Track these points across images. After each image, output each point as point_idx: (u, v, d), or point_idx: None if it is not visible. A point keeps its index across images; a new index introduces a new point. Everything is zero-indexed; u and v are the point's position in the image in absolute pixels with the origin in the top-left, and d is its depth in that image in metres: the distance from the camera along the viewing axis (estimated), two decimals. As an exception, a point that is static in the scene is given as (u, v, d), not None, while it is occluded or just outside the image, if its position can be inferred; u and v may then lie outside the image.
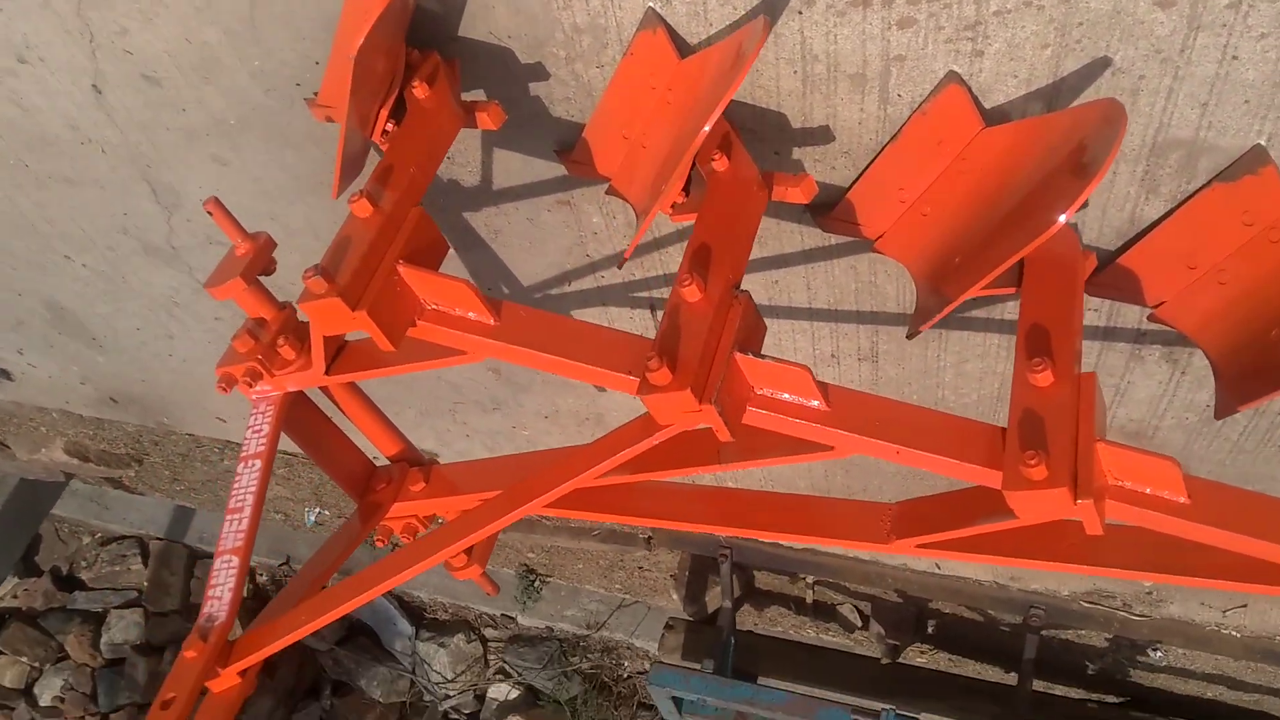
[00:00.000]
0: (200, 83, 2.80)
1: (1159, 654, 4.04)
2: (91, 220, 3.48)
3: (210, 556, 7.19)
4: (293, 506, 5.87)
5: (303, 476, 5.37)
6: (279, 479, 5.42)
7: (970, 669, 4.57)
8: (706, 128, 1.85)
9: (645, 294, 3.05)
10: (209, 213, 2.25)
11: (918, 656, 4.62)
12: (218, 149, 3.00)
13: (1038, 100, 2.14)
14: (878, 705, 4.16)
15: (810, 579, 4.58)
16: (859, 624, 4.71)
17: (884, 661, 4.53)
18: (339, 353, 2.25)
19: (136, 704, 7.17)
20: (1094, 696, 4.50)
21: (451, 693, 6.98)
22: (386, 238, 1.98)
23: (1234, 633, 3.75)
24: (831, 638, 4.94)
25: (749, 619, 4.99)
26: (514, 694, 6.95)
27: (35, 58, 2.87)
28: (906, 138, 2.27)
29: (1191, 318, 2.25)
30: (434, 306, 2.00)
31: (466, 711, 7.14)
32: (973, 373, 2.91)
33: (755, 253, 2.75)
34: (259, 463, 2.26)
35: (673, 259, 2.91)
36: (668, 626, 4.82)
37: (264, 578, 7.28)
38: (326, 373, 2.21)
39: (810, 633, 4.92)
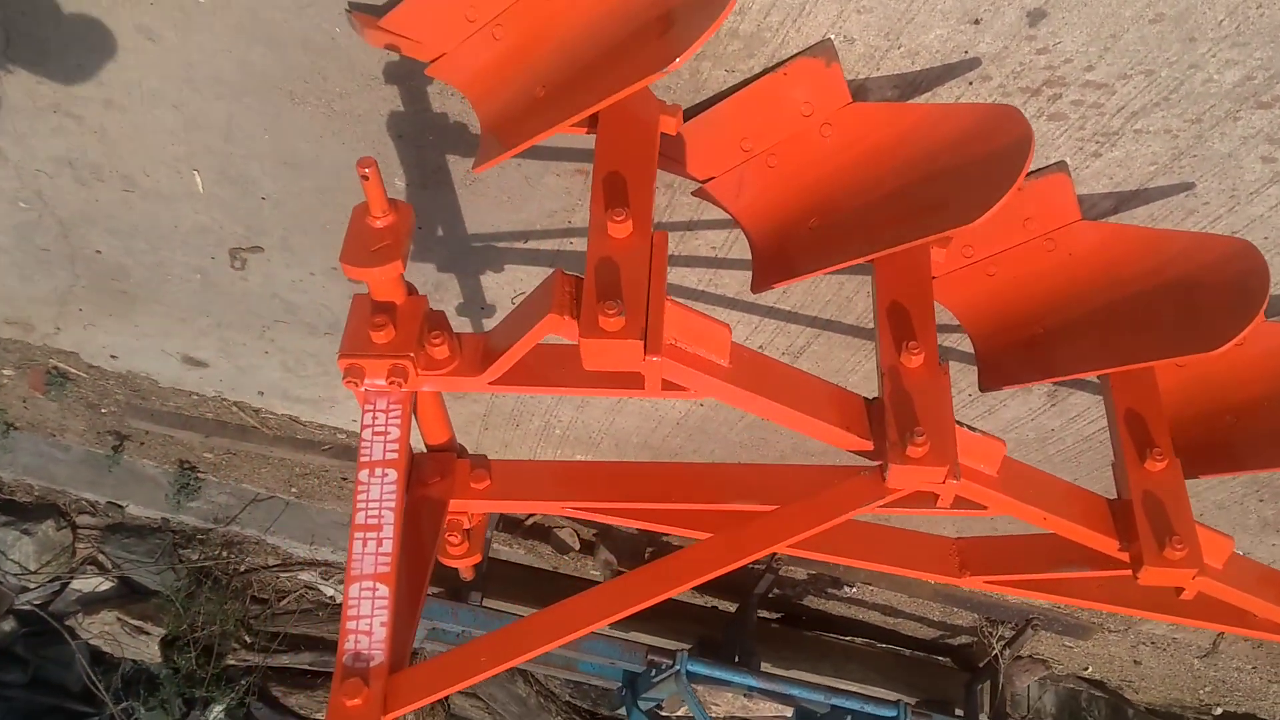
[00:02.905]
0: (188, -53, 2.21)
1: (853, 589, 4.76)
2: None
3: None
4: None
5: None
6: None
7: (697, 599, 5.00)
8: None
9: (603, 265, 2.95)
10: (364, 175, 1.85)
11: (640, 583, 4.94)
12: (153, 21, 2.39)
13: (1112, 199, 2.46)
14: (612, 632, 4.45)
15: (553, 508, 4.69)
16: (575, 547, 4.92)
17: (605, 586, 4.80)
18: (491, 357, 1.99)
19: None
20: (766, 614, 5.17)
21: (31, 584, 6.10)
22: (648, 266, 1.81)
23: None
24: (533, 558, 5.11)
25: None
26: (105, 586, 6.24)
27: None
28: (992, 205, 2.47)
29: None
30: (672, 342, 1.88)
31: (38, 603, 6.29)
32: (881, 380, 3.22)
33: (674, 244, 2.81)
34: (394, 471, 1.94)
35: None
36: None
37: None
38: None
39: (519, 552, 5.05)
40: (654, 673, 4.14)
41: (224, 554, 6.20)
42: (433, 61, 2.21)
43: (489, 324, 3.28)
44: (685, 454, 3.82)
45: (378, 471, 1.93)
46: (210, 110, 2.61)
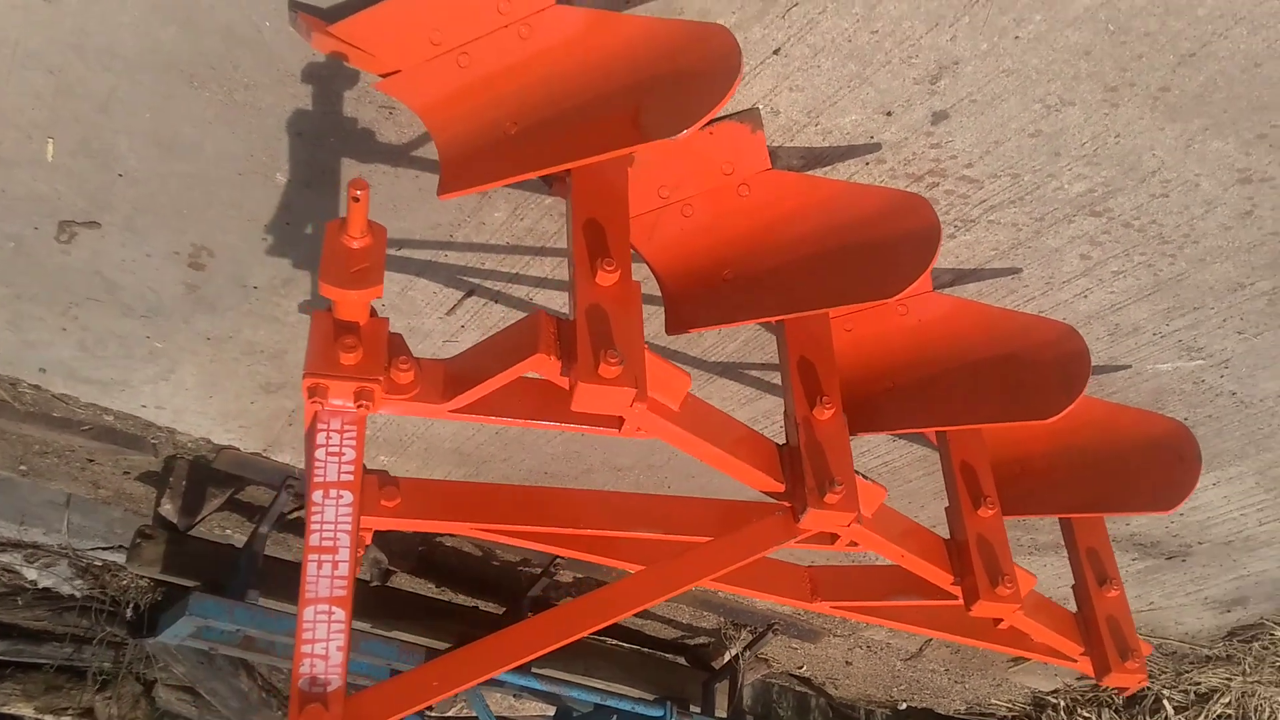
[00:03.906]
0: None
1: (616, 594, 4.98)
2: None
3: None
4: None
5: None
6: None
7: (457, 599, 5.03)
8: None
9: (470, 280, 3.00)
10: (354, 198, 1.84)
11: (408, 583, 4.93)
12: (56, -20, 2.22)
13: (952, 274, 2.82)
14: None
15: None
16: (340, 543, 4.83)
17: (373, 584, 4.77)
18: (446, 383, 2.02)
19: None
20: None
21: None
22: (632, 314, 1.93)
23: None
24: (284, 551, 4.97)
25: (214, 526, 4.80)
26: None
27: None
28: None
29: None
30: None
31: None
32: (706, 408, 3.46)
33: (547, 269, 2.93)
34: (350, 494, 1.91)
35: (506, 259, 2.92)
36: (144, 535, 4.40)
37: None
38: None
39: (273, 548, 4.89)
40: (436, 674, 4.16)
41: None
42: (384, 76, 2.20)
43: (331, 323, 3.22)
44: (496, 462, 3.90)
45: (333, 493, 1.92)
46: (93, 81, 2.43)
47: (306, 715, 1.77)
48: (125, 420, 4.02)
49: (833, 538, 2.28)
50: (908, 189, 2.55)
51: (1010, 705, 5.86)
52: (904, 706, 6.16)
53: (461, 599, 5.08)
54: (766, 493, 2.30)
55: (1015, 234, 2.67)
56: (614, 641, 5.39)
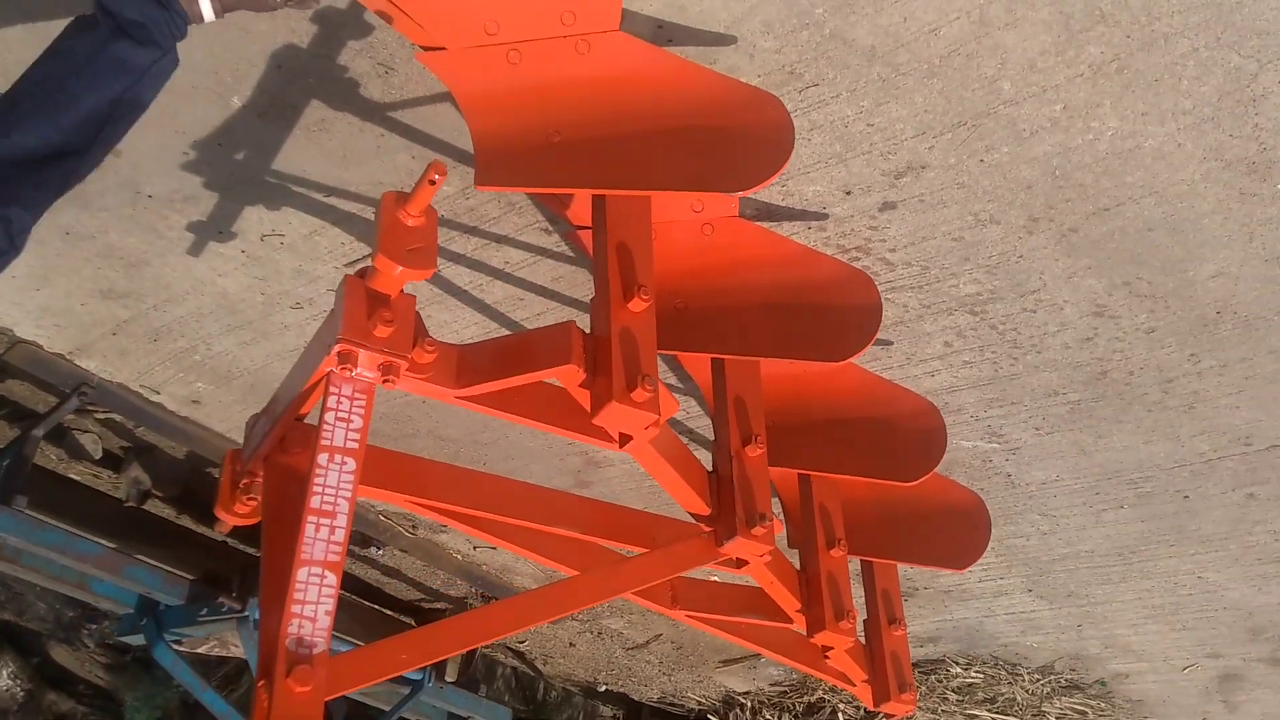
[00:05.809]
0: None
1: (380, 551, 4.97)
2: None
3: None
4: None
5: None
6: None
7: (192, 524, 4.81)
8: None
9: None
10: (431, 181, 1.86)
11: (163, 509, 4.68)
12: None
13: (835, 334, 3.12)
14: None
15: (104, 413, 4.28)
16: (96, 456, 4.55)
17: (126, 504, 4.51)
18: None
19: None
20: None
21: None
22: (653, 341, 2.07)
23: (456, 555, 4.93)
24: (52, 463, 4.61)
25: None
26: None
27: None
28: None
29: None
30: (634, 406, 2.14)
31: None
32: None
33: (468, 248, 3.02)
34: (353, 461, 1.90)
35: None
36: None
37: None
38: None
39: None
40: (206, 611, 4.02)
41: None
42: (428, 49, 2.20)
43: (221, 247, 3.08)
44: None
45: (337, 458, 1.93)
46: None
47: (296, 676, 1.78)
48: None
49: (740, 563, 2.51)
50: (833, 257, 2.83)
51: (701, 701, 6.35)
52: (603, 689, 6.52)
53: (215, 534, 4.89)
54: (693, 514, 2.50)
55: (902, 313, 3.02)
56: (354, 597, 5.37)
